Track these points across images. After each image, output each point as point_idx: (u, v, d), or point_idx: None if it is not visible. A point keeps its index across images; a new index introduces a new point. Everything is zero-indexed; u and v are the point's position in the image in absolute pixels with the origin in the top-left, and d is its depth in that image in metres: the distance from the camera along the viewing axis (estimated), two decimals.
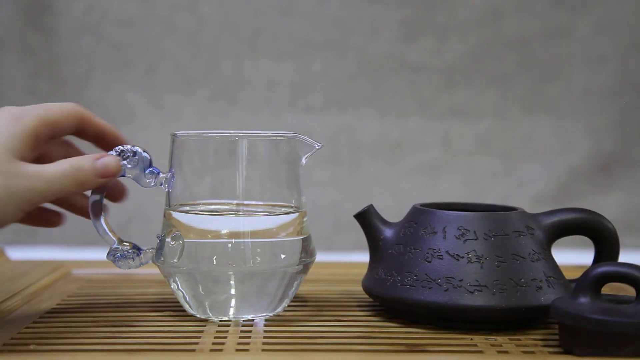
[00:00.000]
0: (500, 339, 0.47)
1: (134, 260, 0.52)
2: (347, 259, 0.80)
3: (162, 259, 0.51)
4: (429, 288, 0.48)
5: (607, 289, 0.49)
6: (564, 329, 0.44)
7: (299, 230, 0.52)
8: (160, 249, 0.51)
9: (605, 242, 0.53)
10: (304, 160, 0.52)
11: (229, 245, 0.50)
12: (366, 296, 0.55)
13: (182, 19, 1.08)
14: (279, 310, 0.52)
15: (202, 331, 0.48)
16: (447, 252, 0.49)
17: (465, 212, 0.51)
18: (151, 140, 1.09)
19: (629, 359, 0.41)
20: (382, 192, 1.08)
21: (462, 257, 0.49)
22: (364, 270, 0.55)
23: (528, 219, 0.52)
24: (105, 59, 1.09)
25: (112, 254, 0.52)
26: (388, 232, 0.53)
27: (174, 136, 0.52)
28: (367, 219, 0.54)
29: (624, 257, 0.52)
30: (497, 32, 1.09)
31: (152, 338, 0.47)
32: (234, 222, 0.50)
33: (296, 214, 0.52)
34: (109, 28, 1.08)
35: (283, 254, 0.51)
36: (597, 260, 0.53)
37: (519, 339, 0.47)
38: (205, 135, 0.52)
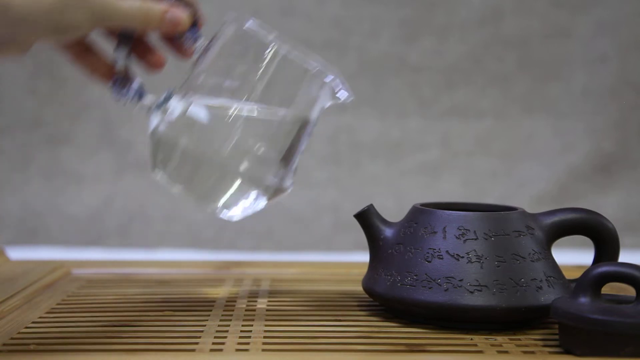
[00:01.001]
0: (500, 339, 0.47)
1: (134, 97, 0.51)
2: (347, 259, 0.80)
3: (161, 111, 0.49)
4: (429, 288, 0.48)
5: (607, 289, 0.48)
6: (564, 329, 0.44)
7: None
8: (165, 100, 0.50)
9: (605, 242, 0.53)
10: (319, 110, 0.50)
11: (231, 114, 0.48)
12: (366, 296, 0.55)
13: None
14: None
15: (202, 331, 0.48)
16: (447, 252, 0.49)
17: (465, 212, 0.51)
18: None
19: (629, 359, 0.41)
20: (382, 192, 1.08)
21: (462, 257, 0.49)
22: (364, 270, 0.55)
23: (528, 219, 0.52)
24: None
25: (116, 82, 0.51)
26: (388, 232, 0.53)
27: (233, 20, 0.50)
28: (367, 219, 0.54)
29: (624, 257, 0.52)
30: (497, 32, 1.09)
31: (152, 338, 0.47)
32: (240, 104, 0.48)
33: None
34: None
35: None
36: (597, 260, 0.53)
37: (519, 339, 0.47)
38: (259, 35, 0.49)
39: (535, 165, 1.11)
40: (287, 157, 0.50)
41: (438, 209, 0.52)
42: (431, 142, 1.07)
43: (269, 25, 0.50)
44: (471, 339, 0.47)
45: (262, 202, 0.50)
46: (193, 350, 0.45)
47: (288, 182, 0.51)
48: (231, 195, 0.50)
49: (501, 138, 1.10)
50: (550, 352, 0.45)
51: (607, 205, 1.06)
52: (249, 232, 1.09)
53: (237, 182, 0.49)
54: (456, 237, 0.49)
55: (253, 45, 0.49)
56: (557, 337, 0.46)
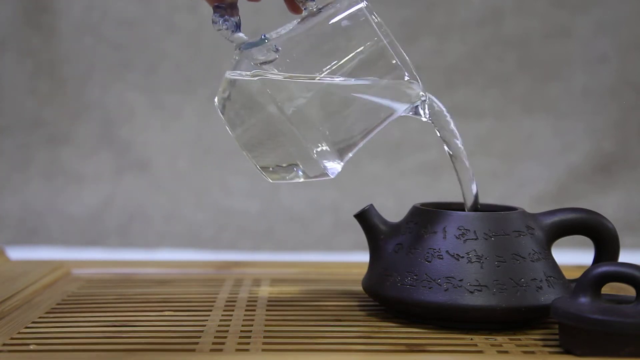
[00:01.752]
0: (500, 339, 0.47)
1: (229, 28, 0.50)
2: (347, 259, 0.80)
3: (251, 51, 0.48)
4: (429, 288, 0.48)
5: (607, 289, 0.48)
6: (564, 329, 0.44)
7: None
8: (257, 43, 0.49)
9: (605, 242, 0.53)
10: (397, 114, 0.50)
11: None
12: (366, 296, 0.55)
13: (182, 19, 1.08)
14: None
15: (202, 331, 0.48)
16: (447, 252, 0.49)
17: (465, 212, 0.51)
18: (151, 140, 1.10)
19: (629, 359, 0.41)
20: (382, 192, 1.08)
21: (462, 257, 0.49)
22: (364, 270, 0.55)
23: (528, 219, 0.52)
24: (105, 59, 1.09)
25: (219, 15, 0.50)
26: (388, 232, 0.53)
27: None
28: (367, 219, 0.54)
29: (624, 257, 0.52)
30: (497, 32, 1.09)
31: (152, 338, 0.47)
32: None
33: None
34: (109, 28, 1.08)
35: None
36: (597, 260, 0.53)
37: (519, 339, 0.47)
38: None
39: (535, 165, 1.11)
40: (351, 147, 0.50)
41: (438, 209, 0.52)
42: (431, 142, 1.07)
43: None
44: (471, 339, 0.47)
45: (299, 179, 0.50)
46: (193, 350, 0.45)
47: (335, 171, 0.51)
48: (276, 164, 0.50)
49: (501, 138, 1.10)
50: (550, 352, 0.45)
51: (607, 205, 1.06)
52: (249, 232, 1.09)
53: (291, 157, 0.49)
54: (456, 237, 0.49)
55: (359, 25, 0.48)
56: (557, 337, 0.46)
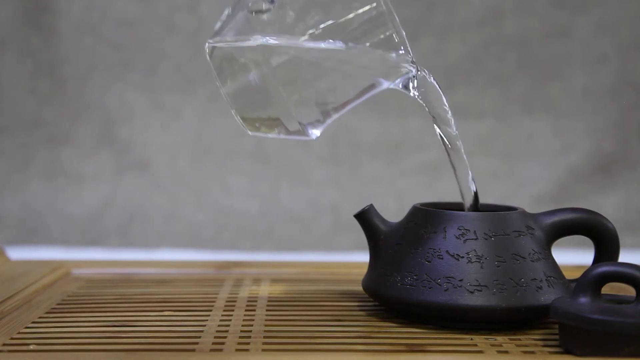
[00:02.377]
0: (500, 339, 0.47)
1: None
2: (347, 259, 0.80)
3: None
4: (429, 288, 0.48)
5: (607, 289, 0.48)
6: (564, 329, 0.44)
7: None
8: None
9: (605, 242, 0.53)
10: (385, 84, 0.50)
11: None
12: (366, 296, 0.55)
13: (182, 19, 1.08)
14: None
15: (202, 331, 0.48)
16: (447, 252, 0.49)
17: (465, 212, 0.51)
18: (151, 140, 1.10)
19: (629, 359, 0.41)
20: (382, 192, 1.08)
21: (462, 257, 0.49)
22: (364, 270, 0.55)
23: (528, 219, 0.52)
24: (105, 59, 1.09)
25: None
26: (388, 232, 0.53)
27: None
28: (367, 219, 0.54)
29: (624, 257, 0.52)
30: (497, 32, 1.09)
31: (152, 338, 0.47)
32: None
33: None
34: (109, 28, 1.08)
35: None
36: (597, 260, 0.53)
37: (519, 339, 0.47)
38: None
39: (535, 165, 1.11)
40: (336, 110, 0.50)
41: (438, 209, 0.52)
42: (431, 142, 1.07)
43: None
44: (471, 339, 0.47)
45: (278, 135, 0.51)
46: (193, 350, 0.45)
47: (316, 131, 0.51)
48: (257, 116, 0.50)
49: (501, 138, 1.10)
50: (550, 352, 0.45)
51: (607, 205, 1.06)
52: (249, 232, 1.09)
53: (273, 112, 0.49)
54: (456, 237, 0.49)
55: None
56: (557, 337, 0.46)
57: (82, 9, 1.08)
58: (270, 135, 0.51)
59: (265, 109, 0.50)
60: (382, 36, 0.49)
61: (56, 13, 1.07)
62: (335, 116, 0.51)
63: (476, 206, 0.53)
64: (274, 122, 0.50)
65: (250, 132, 0.52)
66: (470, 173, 0.52)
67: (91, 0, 1.08)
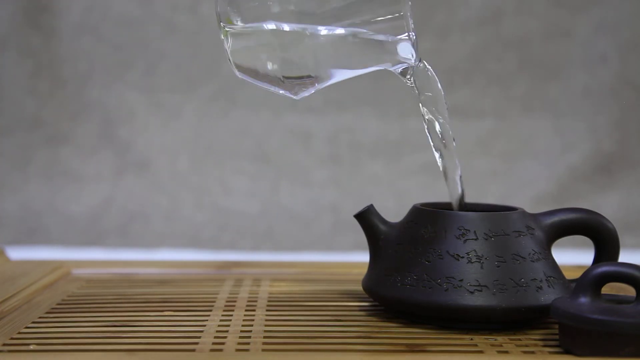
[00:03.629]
0: (500, 339, 0.47)
1: None
2: (347, 259, 0.80)
3: None
4: (429, 288, 0.48)
5: (607, 289, 0.48)
6: (564, 329, 0.44)
7: None
8: None
9: (605, 242, 0.53)
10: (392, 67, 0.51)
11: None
12: (366, 296, 0.55)
13: (182, 19, 1.08)
14: None
15: (202, 331, 0.48)
16: (447, 252, 0.49)
17: (465, 212, 0.51)
18: (151, 140, 1.10)
19: (629, 359, 0.41)
20: (382, 192, 1.08)
21: (462, 257, 0.49)
22: (364, 270, 0.55)
23: (528, 219, 0.52)
24: (105, 59, 1.09)
25: None
26: (388, 232, 0.53)
27: None
28: (367, 219, 0.54)
29: (624, 257, 0.52)
30: (497, 32, 1.09)
31: (152, 338, 0.47)
32: None
33: None
34: (109, 28, 1.08)
35: None
36: (597, 260, 0.53)
37: (519, 339, 0.47)
38: None
39: (535, 165, 1.11)
40: (328, 78, 0.51)
41: (438, 209, 0.52)
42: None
43: None
44: (471, 339, 0.47)
45: (261, 84, 0.52)
46: (193, 350, 0.45)
47: (303, 94, 0.51)
48: (254, 66, 0.51)
49: (501, 138, 1.10)
50: (550, 352, 0.45)
51: (607, 205, 1.06)
52: (249, 232, 1.09)
53: (267, 65, 0.50)
54: (456, 237, 0.49)
55: None
56: (557, 337, 0.46)
57: (82, 9, 1.08)
58: (256, 83, 0.52)
59: (262, 64, 0.51)
60: (392, 15, 0.49)
61: (56, 13, 1.07)
62: (327, 83, 0.52)
63: (462, 205, 0.53)
64: (265, 77, 0.51)
65: (237, 73, 0.52)
66: (459, 172, 0.53)
67: (91, 0, 1.08)
